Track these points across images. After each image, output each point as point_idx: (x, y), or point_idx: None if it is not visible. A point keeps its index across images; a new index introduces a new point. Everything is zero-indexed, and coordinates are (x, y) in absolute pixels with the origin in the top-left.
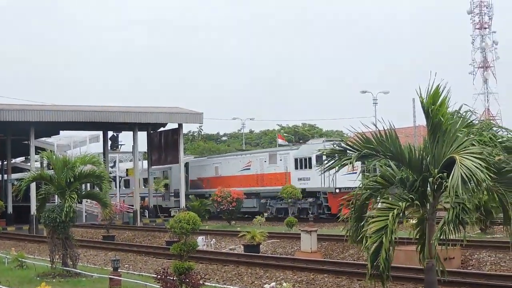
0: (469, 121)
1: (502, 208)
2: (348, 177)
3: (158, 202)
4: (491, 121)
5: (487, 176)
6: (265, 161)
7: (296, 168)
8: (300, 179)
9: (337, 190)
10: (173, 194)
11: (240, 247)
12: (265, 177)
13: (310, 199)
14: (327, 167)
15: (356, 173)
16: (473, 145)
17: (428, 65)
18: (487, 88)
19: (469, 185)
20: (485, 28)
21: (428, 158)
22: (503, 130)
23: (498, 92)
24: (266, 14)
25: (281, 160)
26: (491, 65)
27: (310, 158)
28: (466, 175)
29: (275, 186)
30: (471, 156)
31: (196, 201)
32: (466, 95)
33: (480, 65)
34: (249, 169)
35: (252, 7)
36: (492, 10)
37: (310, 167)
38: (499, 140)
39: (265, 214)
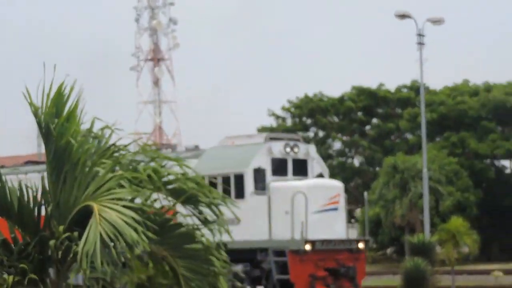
0: (110, 145)
1: (177, 284)
2: (324, 217)
3: None
4: (165, 145)
5: (143, 236)
6: None
7: None
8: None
9: (308, 247)
10: None
11: None
12: None
13: (239, 267)
14: None
15: (337, 207)
16: (122, 186)
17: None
18: (159, 94)
19: (115, 250)
20: None
21: (50, 208)
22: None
23: (176, 100)
24: None
25: None
26: (166, 57)
27: (240, 176)
28: (109, 236)
29: None
30: (118, 204)
31: None
32: (129, 104)
33: (149, 57)
34: None
35: None
36: None
37: (242, 196)
38: (164, 180)
39: None
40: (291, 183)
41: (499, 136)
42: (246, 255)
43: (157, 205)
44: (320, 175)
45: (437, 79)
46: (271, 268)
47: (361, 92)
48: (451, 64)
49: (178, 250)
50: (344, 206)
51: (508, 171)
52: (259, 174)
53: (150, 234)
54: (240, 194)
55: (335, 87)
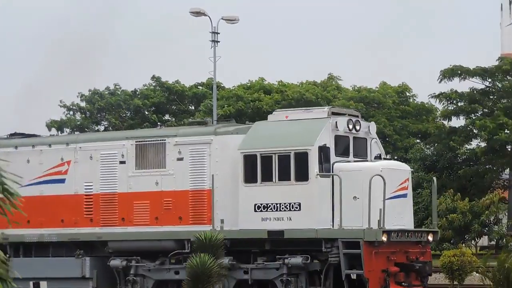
0: None
1: None
2: (394, 204)
3: None
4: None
5: None
6: (121, 161)
7: (248, 180)
8: (266, 207)
9: (384, 238)
10: None
11: None
12: (127, 200)
13: (298, 260)
14: None
15: (406, 193)
16: None
17: None
18: None
19: None
20: None
21: None
22: None
23: None
24: None
25: (181, 158)
26: None
27: (304, 155)
28: None
29: (157, 226)
30: None
31: None
32: None
33: None
34: (63, 180)
35: None
36: None
37: (305, 178)
38: None
39: None
40: (364, 164)
41: None
42: (305, 245)
43: None
44: (379, 157)
45: (233, 77)
46: (338, 262)
47: (159, 85)
48: (247, 62)
49: None
50: (411, 193)
51: None
52: (324, 153)
53: None
54: (303, 176)
55: (133, 81)
